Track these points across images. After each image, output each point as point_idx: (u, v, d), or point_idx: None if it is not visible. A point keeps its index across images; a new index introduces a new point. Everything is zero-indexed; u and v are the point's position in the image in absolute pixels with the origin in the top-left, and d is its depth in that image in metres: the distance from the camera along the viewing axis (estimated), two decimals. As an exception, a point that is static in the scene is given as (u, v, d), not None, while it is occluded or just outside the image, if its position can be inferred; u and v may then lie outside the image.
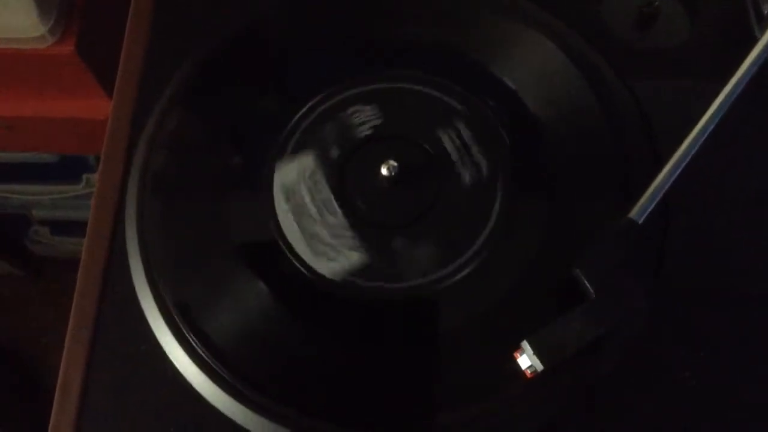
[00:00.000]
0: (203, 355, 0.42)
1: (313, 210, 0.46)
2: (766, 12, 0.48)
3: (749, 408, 0.43)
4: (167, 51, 0.53)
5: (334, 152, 0.47)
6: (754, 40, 0.43)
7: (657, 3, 0.51)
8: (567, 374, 0.40)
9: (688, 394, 0.43)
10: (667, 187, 0.41)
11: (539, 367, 0.38)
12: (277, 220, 0.46)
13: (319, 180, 0.47)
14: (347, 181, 0.47)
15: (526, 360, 0.39)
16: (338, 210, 0.46)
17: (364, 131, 0.48)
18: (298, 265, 0.45)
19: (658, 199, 0.41)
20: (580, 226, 0.45)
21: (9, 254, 1.16)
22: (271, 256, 0.45)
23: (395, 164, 0.45)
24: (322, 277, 0.44)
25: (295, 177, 0.47)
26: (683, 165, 0.42)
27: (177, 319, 0.43)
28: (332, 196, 0.46)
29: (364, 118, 0.48)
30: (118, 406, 0.44)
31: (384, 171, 0.45)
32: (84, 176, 0.96)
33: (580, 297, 0.41)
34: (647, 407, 0.42)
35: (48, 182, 0.98)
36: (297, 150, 0.48)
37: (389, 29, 0.51)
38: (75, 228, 1.09)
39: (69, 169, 0.94)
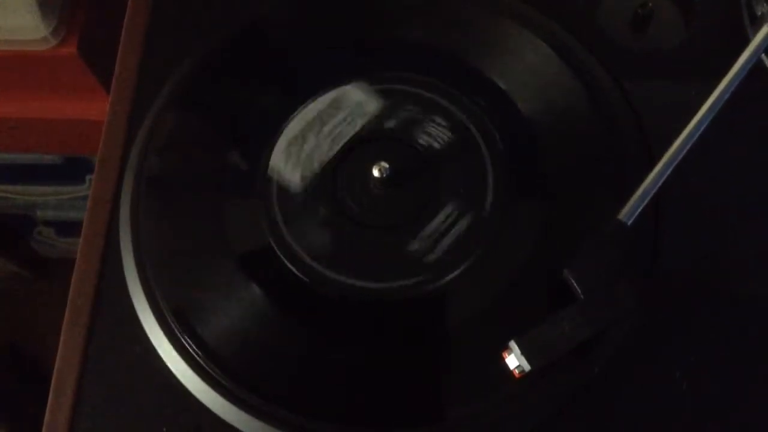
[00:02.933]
0: (196, 356, 0.42)
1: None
2: (759, 14, 0.48)
3: (740, 409, 0.42)
4: (164, 51, 0.53)
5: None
6: (747, 42, 0.43)
7: (651, 4, 0.51)
8: (558, 375, 0.41)
9: (679, 394, 0.42)
10: (656, 188, 0.41)
11: (526, 367, 0.38)
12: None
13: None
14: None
15: (513, 360, 0.39)
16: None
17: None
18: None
19: (647, 200, 0.41)
20: (573, 226, 0.45)
21: (14, 254, 1.17)
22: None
23: (386, 166, 0.45)
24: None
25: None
26: (672, 166, 0.42)
27: (170, 321, 0.43)
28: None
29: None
30: (112, 405, 0.44)
31: (375, 173, 0.45)
32: (88, 177, 0.96)
33: (573, 297, 0.41)
34: (638, 407, 0.42)
35: (52, 183, 0.98)
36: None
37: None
38: (79, 229, 1.09)
39: (73, 170, 0.95)
